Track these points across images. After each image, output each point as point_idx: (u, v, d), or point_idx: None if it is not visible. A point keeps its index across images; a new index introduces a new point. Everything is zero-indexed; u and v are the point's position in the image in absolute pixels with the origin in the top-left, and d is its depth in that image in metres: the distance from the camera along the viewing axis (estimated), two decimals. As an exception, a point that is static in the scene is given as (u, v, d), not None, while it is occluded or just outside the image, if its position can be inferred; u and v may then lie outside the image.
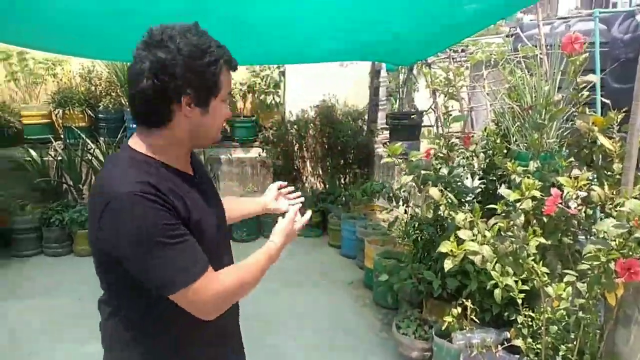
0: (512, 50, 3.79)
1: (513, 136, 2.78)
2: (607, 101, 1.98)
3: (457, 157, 2.87)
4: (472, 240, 1.67)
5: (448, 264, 1.61)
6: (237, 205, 1.64)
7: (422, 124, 5.09)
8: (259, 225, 5.54)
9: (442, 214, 2.22)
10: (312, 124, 5.72)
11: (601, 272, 1.69)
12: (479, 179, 3.11)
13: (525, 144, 2.75)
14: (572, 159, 2.00)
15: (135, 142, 1.15)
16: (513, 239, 1.65)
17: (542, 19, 4.97)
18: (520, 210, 1.68)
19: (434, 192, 2.16)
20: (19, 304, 3.81)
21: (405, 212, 3.39)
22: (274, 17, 2.64)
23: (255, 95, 5.86)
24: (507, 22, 5.30)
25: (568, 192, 1.87)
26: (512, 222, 1.69)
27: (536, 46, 3.59)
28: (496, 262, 1.67)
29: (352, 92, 6.06)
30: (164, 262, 1.04)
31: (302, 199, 1.72)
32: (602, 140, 1.90)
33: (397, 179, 5.00)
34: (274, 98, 5.68)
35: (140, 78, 1.06)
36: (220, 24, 2.60)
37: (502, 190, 1.82)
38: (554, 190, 1.60)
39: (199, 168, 1.31)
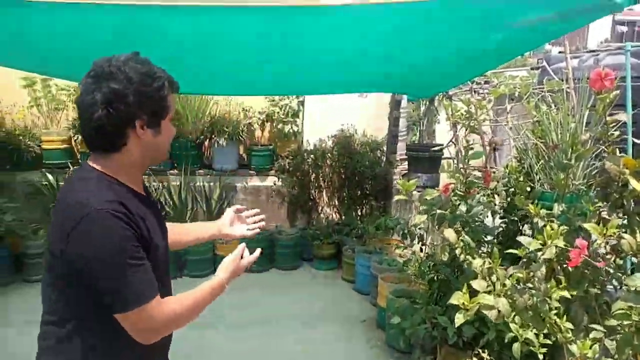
0: (538, 83, 3.67)
1: (536, 174, 2.64)
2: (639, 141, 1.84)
3: (477, 194, 2.74)
4: (488, 292, 1.53)
5: (459, 319, 1.47)
6: (189, 229, 1.66)
7: (442, 157, 4.97)
8: (272, 256, 5.44)
9: (458, 257, 2.08)
10: (329, 154, 5.66)
11: (633, 332, 1.52)
12: (500, 218, 2.95)
13: (550, 184, 2.60)
14: (599, 202, 1.85)
15: (97, 163, 1.21)
16: (533, 292, 1.50)
17: (570, 51, 4.85)
18: (541, 261, 1.54)
19: (450, 234, 2.03)
20: (29, 328, 3.76)
21: (421, 249, 3.24)
22: (293, 49, 2.61)
23: (274, 124, 5.85)
24: (535, 54, 5.18)
25: (596, 240, 1.73)
26: (532, 273, 1.54)
27: (563, 80, 3.47)
28: (514, 316, 1.52)
29: (371, 122, 6.00)
30: (125, 282, 1.10)
31: (263, 223, 1.72)
32: (633, 183, 1.75)
33: (415, 214, 4.85)
34: (292, 127, 5.66)
35: (95, 109, 1.14)
36: (239, 54, 2.58)
37: (522, 238, 1.68)
38: (579, 241, 1.46)
39: (146, 189, 1.36)
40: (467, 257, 1.98)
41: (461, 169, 3.18)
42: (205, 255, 5.07)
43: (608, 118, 1.77)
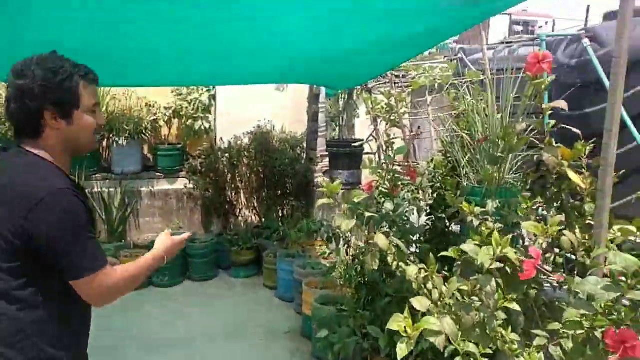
0: (456, 75, 3.61)
1: (463, 169, 2.52)
2: (578, 131, 1.74)
3: (402, 190, 2.57)
4: (430, 311, 1.31)
5: (402, 350, 1.24)
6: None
7: (364, 152, 4.83)
8: (184, 267, 4.99)
9: (390, 264, 1.86)
10: (246, 152, 5.30)
11: (585, 340, 1.38)
12: (426, 215, 2.82)
13: (478, 178, 2.49)
14: (536, 197, 1.72)
15: (31, 148, 1.35)
16: (479, 306, 1.31)
17: (473, 48, 4.91)
18: (489, 273, 1.35)
19: (381, 240, 1.81)
20: None
21: (347, 252, 3.03)
22: (202, 34, 2.27)
23: (182, 121, 5.38)
24: (441, 52, 5.15)
25: (537, 240, 1.58)
26: (478, 287, 1.35)
27: (482, 71, 3.43)
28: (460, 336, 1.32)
29: (290, 118, 5.73)
30: (84, 252, 1.28)
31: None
32: (572, 176, 1.64)
33: (338, 213, 4.67)
34: (203, 124, 5.22)
35: (10, 103, 1.34)
36: (146, 41, 2.23)
37: (467, 246, 1.49)
38: (533, 251, 1.28)
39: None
40: (400, 264, 1.77)
41: (384, 165, 3.02)
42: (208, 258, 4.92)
43: (544, 106, 1.64)
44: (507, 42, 4.66)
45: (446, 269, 2.33)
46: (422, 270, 1.65)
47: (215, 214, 5.45)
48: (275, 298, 4.57)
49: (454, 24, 2.45)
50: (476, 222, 1.80)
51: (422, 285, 1.72)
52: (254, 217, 5.58)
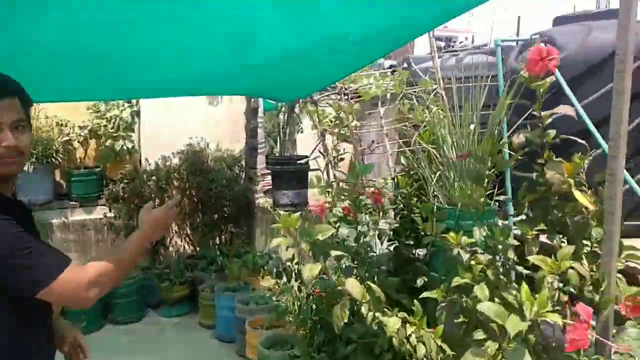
0: (407, 85, 3.37)
1: (431, 187, 2.22)
2: (583, 141, 1.48)
3: (361, 213, 2.22)
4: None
5: None
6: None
7: (309, 169, 4.48)
8: (105, 308, 4.36)
9: (365, 316, 1.49)
10: (176, 174, 4.78)
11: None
12: (388, 241, 2.50)
13: (448, 198, 2.21)
14: (539, 224, 1.43)
15: None
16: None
17: (418, 57, 4.76)
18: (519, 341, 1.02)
19: (354, 287, 1.44)
20: None
21: (300, 289, 2.64)
22: (123, 40, 1.83)
23: (101, 141, 4.77)
24: (371, 67, 4.89)
25: (544, 276, 1.29)
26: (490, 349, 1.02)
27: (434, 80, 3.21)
28: None
29: (225, 134, 5.28)
30: (37, 261, 1.18)
31: None
32: (578, 197, 1.36)
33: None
34: (125, 144, 4.65)
35: None
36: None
37: (485, 307, 1.15)
38: (582, 309, 0.96)
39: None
40: (377, 315, 1.41)
41: (339, 185, 2.69)
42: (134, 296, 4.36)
43: (543, 113, 1.36)
44: (452, 51, 4.54)
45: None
46: (407, 324, 1.30)
47: (142, 244, 4.84)
48: (213, 339, 4.06)
49: (409, 26, 2.19)
50: (464, 255, 1.48)
51: (405, 340, 1.36)
52: (187, 246, 5.03)
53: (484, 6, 1.52)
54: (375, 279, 2.06)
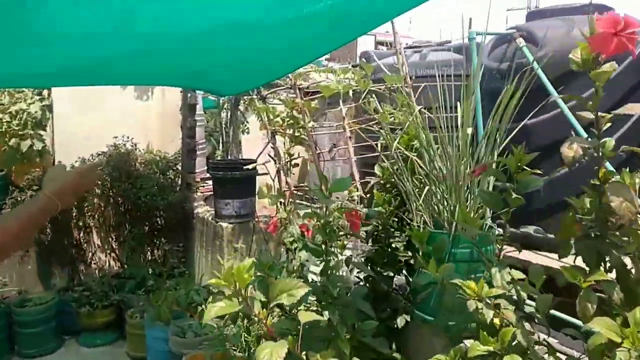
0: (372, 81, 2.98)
1: (414, 204, 1.83)
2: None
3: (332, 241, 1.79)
4: None
5: None
6: None
7: (257, 174, 3.99)
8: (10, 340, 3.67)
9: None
10: (99, 179, 4.12)
11: None
12: (359, 270, 2.08)
13: (433, 218, 1.82)
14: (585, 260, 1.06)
15: None
16: None
17: (378, 52, 4.41)
18: None
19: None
20: None
21: (249, 331, 2.17)
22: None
23: (4, 141, 4.03)
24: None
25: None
26: None
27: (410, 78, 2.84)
28: None
29: (157, 133, 4.67)
30: None
31: None
32: (648, 233, 1.00)
33: (229, 249, 3.76)
34: (34, 143, 3.94)
35: None
36: None
37: None
38: None
39: None
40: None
41: (286, 191, 2.25)
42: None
43: (605, 115, 0.99)
44: (414, 47, 4.22)
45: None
46: None
47: (56, 262, 4.16)
48: (144, 376, 3.49)
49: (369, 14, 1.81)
50: (488, 313, 1.08)
51: None
52: (112, 263, 4.39)
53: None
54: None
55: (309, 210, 2.76)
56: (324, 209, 1.54)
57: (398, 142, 1.96)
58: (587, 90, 2.83)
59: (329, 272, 1.62)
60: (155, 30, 1.87)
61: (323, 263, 1.68)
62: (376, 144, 2.97)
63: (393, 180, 1.88)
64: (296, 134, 2.77)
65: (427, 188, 1.73)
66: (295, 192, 3.12)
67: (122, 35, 1.89)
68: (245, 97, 4.04)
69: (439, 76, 2.05)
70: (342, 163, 4.21)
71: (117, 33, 1.84)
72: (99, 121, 4.38)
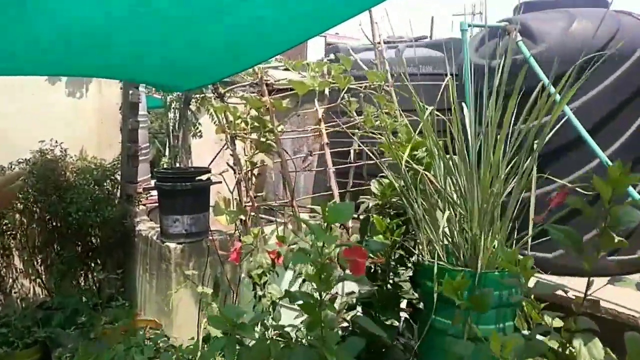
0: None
1: (423, 234, 1.44)
2: None
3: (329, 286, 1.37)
4: None
5: None
6: None
7: (211, 183, 3.50)
8: None
9: None
10: (19, 192, 3.50)
11: None
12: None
13: (446, 248, 1.44)
14: None
15: None
16: None
17: (355, 47, 4.09)
18: None
19: None
20: None
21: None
22: None
23: None
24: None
25: None
26: None
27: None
28: None
29: (92, 136, 4.08)
30: None
31: None
32: None
33: (178, 274, 3.25)
34: None
35: None
36: None
37: None
38: None
39: None
40: None
41: (247, 207, 1.85)
42: None
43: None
44: (388, 42, 3.87)
45: None
46: None
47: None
48: None
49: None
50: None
51: None
52: (38, 291, 3.77)
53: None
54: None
55: (275, 229, 2.34)
56: (319, 248, 1.12)
57: (394, 151, 1.58)
58: (590, 90, 2.56)
59: (322, 332, 1.20)
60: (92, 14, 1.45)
61: (311, 316, 1.26)
62: (352, 151, 2.59)
63: (394, 201, 1.49)
64: (262, 139, 2.33)
65: (446, 213, 1.34)
66: (259, 207, 2.68)
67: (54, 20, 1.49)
68: (197, 95, 3.54)
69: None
70: (307, 171, 3.81)
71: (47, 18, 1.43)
72: (20, 122, 3.75)
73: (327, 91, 2.42)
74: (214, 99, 2.73)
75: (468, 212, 1.38)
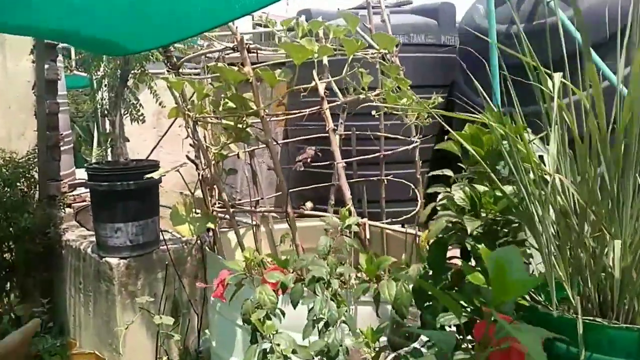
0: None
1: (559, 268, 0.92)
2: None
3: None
4: None
5: None
6: None
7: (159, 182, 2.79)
8: None
9: None
10: None
11: None
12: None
13: (584, 294, 0.94)
14: None
15: None
16: None
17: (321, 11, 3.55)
18: None
19: None
20: None
21: None
22: None
23: None
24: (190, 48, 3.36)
25: None
26: None
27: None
28: None
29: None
30: None
31: None
32: None
33: (124, 297, 2.56)
34: None
35: None
36: None
37: None
38: None
39: None
40: None
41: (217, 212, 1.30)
42: None
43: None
44: (364, 8, 3.31)
45: None
46: None
47: None
48: None
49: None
50: None
51: None
52: None
53: None
54: None
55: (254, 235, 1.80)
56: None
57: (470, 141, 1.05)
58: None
59: None
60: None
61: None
62: (336, 137, 2.05)
63: (506, 218, 0.96)
64: (241, 124, 1.72)
65: (617, 243, 0.83)
66: (236, 208, 2.08)
67: None
68: (134, 71, 2.80)
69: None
70: (264, 165, 3.21)
71: None
72: None
73: (325, 61, 1.83)
74: (168, 71, 2.05)
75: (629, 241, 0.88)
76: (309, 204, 3.16)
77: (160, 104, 2.84)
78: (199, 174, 2.17)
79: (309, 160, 1.69)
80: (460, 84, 2.71)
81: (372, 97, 1.66)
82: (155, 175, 2.26)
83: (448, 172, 1.15)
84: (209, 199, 2.19)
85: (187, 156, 2.15)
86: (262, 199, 2.52)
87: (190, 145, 2.22)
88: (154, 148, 3.50)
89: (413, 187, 2.43)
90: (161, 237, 2.72)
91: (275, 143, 1.81)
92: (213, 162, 2.05)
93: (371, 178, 2.45)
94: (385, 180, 2.42)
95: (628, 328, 0.84)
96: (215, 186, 2.09)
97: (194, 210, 2.14)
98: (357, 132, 2.46)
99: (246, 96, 1.72)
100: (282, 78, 1.57)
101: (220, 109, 1.80)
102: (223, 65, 1.69)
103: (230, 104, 1.78)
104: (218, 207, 2.15)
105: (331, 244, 1.45)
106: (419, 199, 2.27)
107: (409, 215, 2.18)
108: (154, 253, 2.66)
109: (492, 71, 2.03)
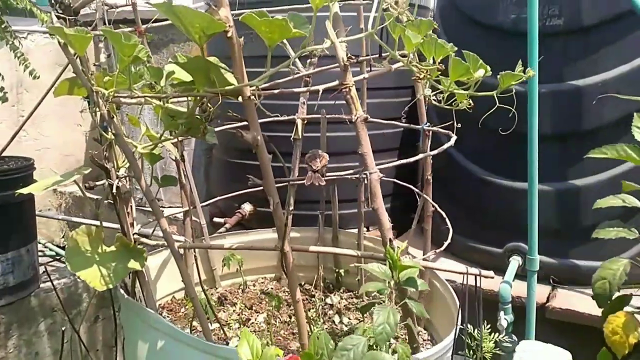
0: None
1: None
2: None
3: None
4: None
5: None
6: None
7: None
8: None
9: None
10: None
11: None
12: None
13: None
14: None
15: None
16: None
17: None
18: None
19: None
20: None
21: None
22: None
23: None
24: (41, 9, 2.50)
25: None
26: None
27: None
28: None
29: None
30: None
31: None
32: None
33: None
34: None
35: None
36: None
37: None
38: None
39: None
40: None
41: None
42: None
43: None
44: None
45: None
46: None
47: None
48: None
49: None
50: None
51: None
52: None
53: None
54: None
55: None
56: None
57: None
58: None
59: None
60: None
61: None
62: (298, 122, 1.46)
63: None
64: (200, 112, 1.00)
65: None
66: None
67: None
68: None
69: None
70: (167, 155, 2.41)
71: None
72: None
73: (337, 7, 1.16)
74: (59, 18, 1.20)
75: None
76: (247, 207, 2.44)
77: (31, 73, 1.90)
78: (111, 186, 1.37)
79: (324, 169, 1.03)
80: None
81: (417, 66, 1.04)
82: (32, 190, 1.39)
83: None
84: (127, 221, 1.41)
85: (93, 159, 1.33)
86: (193, 207, 1.79)
87: (95, 139, 1.40)
88: (15, 134, 2.47)
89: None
90: (42, 270, 1.85)
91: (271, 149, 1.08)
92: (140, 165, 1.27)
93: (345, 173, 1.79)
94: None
95: None
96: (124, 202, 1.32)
97: (102, 242, 1.35)
98: (328, 116, 1.83)
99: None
100: (298, 29, 0.88)
101: (163, 83, 1.06)
102: (178, 6, 0.94)
103: (182, 76, 1.05)
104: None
105: (397, 321, 0.83)
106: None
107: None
108: (33, 297, 1.79)
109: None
